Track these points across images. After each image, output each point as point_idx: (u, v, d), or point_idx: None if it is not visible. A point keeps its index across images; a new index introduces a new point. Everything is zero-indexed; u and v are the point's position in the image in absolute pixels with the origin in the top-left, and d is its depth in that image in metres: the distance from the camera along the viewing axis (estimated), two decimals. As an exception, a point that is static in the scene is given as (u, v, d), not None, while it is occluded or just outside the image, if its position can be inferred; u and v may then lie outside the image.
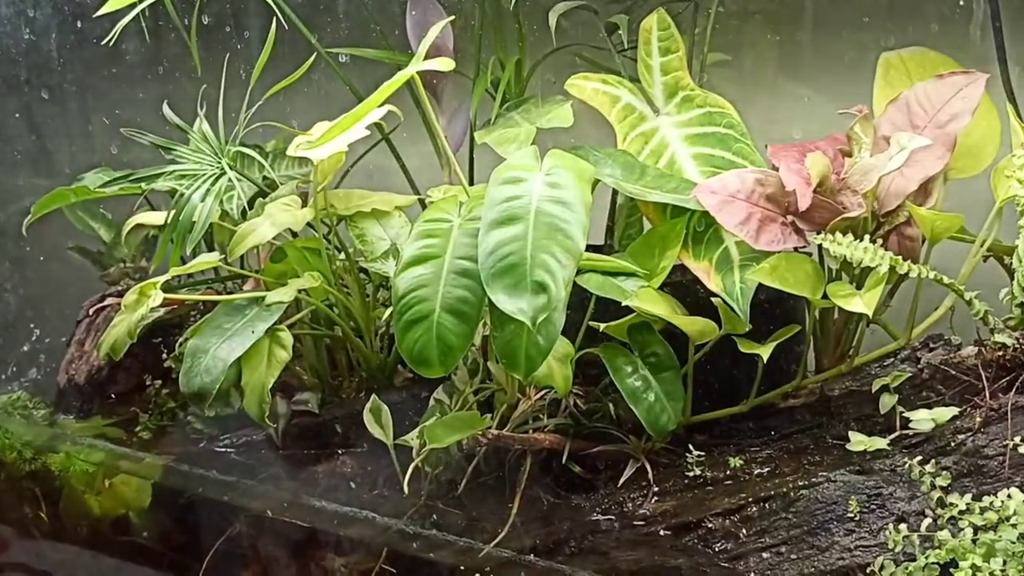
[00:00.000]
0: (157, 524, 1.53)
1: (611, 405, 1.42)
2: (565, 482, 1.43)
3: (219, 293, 1.82)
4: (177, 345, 1.58)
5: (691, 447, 1.35)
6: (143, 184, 1.76)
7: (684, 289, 1.37)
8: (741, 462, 1.31)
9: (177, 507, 1.52)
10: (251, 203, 1.75)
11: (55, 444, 1.62)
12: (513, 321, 1.20)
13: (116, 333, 1.44)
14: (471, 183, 1.72)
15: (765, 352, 1.24)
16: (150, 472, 1.52)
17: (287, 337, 1.44)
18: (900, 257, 1.24)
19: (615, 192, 1.56)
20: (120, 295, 1.85)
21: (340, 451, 1.56)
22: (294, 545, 1.42)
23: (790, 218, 1.29)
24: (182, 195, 1.56)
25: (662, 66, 1.49)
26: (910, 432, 1.23)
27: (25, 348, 1.87)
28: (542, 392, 1.41)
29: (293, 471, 1.53)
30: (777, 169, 1.33)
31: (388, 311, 1.57)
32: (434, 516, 1.39)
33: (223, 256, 1.53)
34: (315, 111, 1.66)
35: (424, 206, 1.66)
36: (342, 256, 1.61)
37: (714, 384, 1.40)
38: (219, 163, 1.55)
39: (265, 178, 1.81)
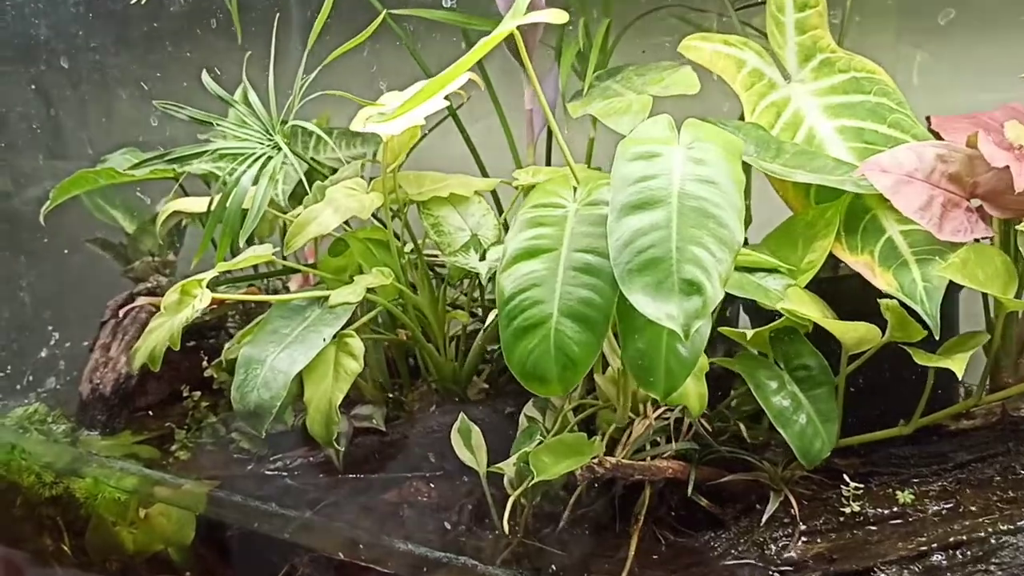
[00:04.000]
0: (202, 564, 1.31)
1: (740, 425, 1.21)
2: (686, 517, 1.21)
3: (260, 292, 1.60)
4: (224, 351, 1.35)
5: (845, 476, 1.13)
6: (178, 166, 1.55)
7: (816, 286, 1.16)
8: (911, 496, 1.09)
9: (225, 544, 1.30)
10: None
11: (79, 467, 1.40)
12: (649, 328, 0.98)
13: (155, 339, 1.22)
14: (547, 164, 1.51)
15: (959, 366, 1.02)
16: (193, 502, 1.29)
17: (357, 344, 1.21)
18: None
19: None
20: (150, 293, 1.63)
21: (412, 476, 1.34)
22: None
23: (976, 202, 1.07)
24: (226, 178, 1.34)
25: (797, 24, 1.26)
26: None
27: (42, 353, 1.65)
28: (660, 411, 1.19)
29: (358, 500, 1.31)
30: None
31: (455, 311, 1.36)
32: (534, 558, 1.17)
33: (276, 249, 1.30)
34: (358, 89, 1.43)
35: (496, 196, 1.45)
36: (408, 249, 1.39)
37: (867, 401, 1.17)
38: (272, 140, 1.33)
39: (311, 160, 1.60)
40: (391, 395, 1.46)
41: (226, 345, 1.55)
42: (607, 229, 0.97)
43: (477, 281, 1.40)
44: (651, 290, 0.92)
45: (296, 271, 1.43)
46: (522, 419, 1.27)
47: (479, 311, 1.49)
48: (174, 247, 1.93)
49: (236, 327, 1.68)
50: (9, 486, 1.47)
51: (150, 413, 1.60)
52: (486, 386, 1.45)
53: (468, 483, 1.32)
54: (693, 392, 1.08)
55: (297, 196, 1.53)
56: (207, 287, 1.24)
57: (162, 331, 1.21)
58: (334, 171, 1.58)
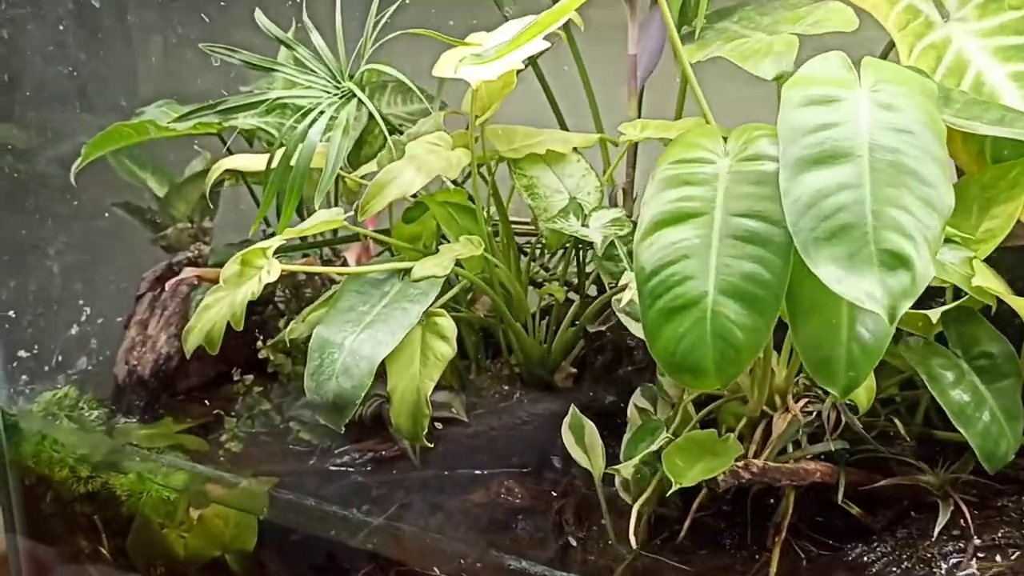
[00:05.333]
0: (264, 573, 1.15)
1: (895, 421, 1.04)
2: (825, 525, 1.05)
3: (314, 264, 1.43)
4: (287, 330, 1.18)
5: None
6: (224, 121, 1.37)
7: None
8: (1115, 508, 0.93)
9: (290, 551, 1.14)
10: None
11: (119, 460, 1.24)
12: (826, 309, 0.82)
13: (212, 317, 1.05)
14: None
15: None
16: (255, 504, 1.13)
17: (448, 325, 1.04)
18: None
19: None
20: (192, 263, 1.46)
21: (500, 474, 1.18)
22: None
23: None
24: (286, 133, 1.16)
25: (959, -47, 1.08)
26: None
27: (72, 330, 1.47)
28: (802, 402, 1.02)
29: (439, 500, 1.15)
30: None
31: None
32: (654, 574, 1.01)
33: (348, 214, 1.12)
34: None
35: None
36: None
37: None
38: (341, 88, 1.15)
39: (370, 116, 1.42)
40: (469, 381, 1.30)
41: (280, 323, 1.39)
42: (780, 189, 0.80)
43: (575, 251, 1.23)
44: (843, 263, 0.75)
45: (370, 239, 1.26)
46: (631, 412, 1.11)
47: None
48: (208, 214, 1.76)
49: (284, 302, 1.51)
50: (39, 480, 1.31)
51: (188, 396, 1.44)
52: (574, 371, 1.29)
53: (567, 483, 1.16)
54: (862, 383, 0.91)
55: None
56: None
57: (222, 308, 1.04)
58: (394, 130, 1.41)
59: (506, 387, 1.29)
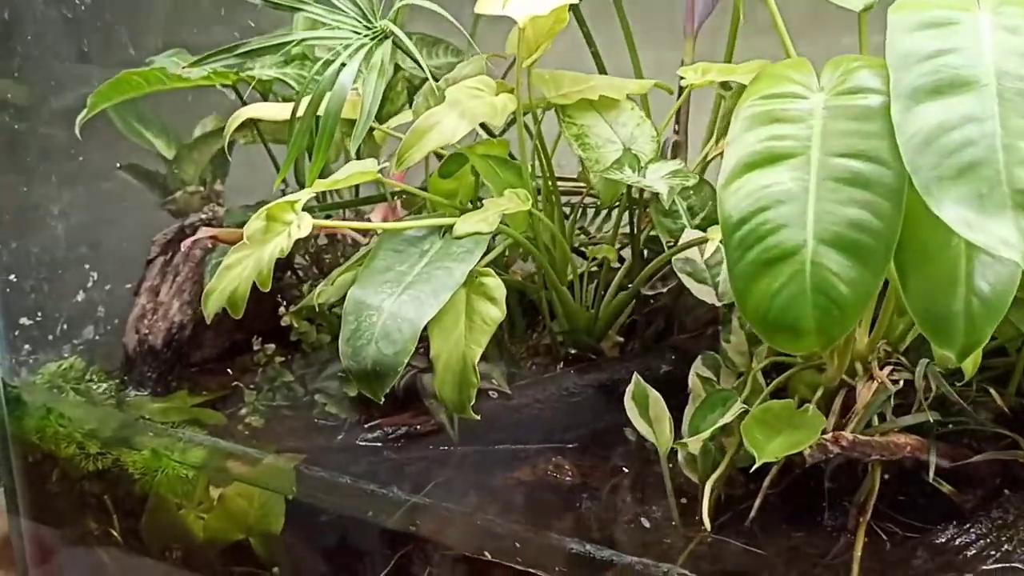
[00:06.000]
0: (292, 556, 1.05)
1: (991, 391, 0.95)
2: (907, 505, 0.96)
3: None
4: (316, 293, 1.08)
5: None
6: (243, 69, 1.27)
7: None
8: None
9: (319, 532, 1.04)
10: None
11: (132, 436, 1.14)
12: (941, 259, 0.72)
13: (235, 278, 0.95)
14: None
15: None
16: (280, 481, 1.03)
17: (496, 285, 0.95)
18: None
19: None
20: (208, 224, 1.36)
21: (546, 449, 1.08)
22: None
23: None
24: (312, 79, 1.07)
25: None
26: None
27: (78, 297, 1.37)
28: (887, 370, 0.93)
29: (480, 478, 1.05)
30: None
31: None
32: (726, 557, 0.92)
33: (383, 165, 1.02)
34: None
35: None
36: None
37: None
38: (372, 28, 1.05)
39: (397, 67, 1.32)
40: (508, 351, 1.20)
41: (304, 287, 1.29)
42: (891, 123, 0.71)
43: (629, 208, 1.13)
44: (972, 205, 0.66)
45: (405, 193, 1.16)
46: (692, 381, 1.01)
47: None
48: (221, 175, 1.66)
49: (303, 269, 1.42)
50: (44, 457, 1.21)
51: (203, 367, 1.34)
52: (620, 340, 1.19)
53: (620, 459, 1.07)
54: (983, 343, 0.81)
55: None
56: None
57: (246, 267, 0.95)
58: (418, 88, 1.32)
59: (548, 357, 1.20)
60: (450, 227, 0.99)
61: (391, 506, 0.98)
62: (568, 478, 1.04)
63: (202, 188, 1.65)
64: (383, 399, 0.95)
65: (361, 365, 0.91)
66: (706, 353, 1.04)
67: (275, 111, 1.17)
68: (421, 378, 1.13)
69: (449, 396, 0.94)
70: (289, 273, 1.42)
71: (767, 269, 0.73)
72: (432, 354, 0.94)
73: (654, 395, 0.96)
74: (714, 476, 0.89)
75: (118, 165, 1.62)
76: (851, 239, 0.71)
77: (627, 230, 1.19)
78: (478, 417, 0.96)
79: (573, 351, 1.18)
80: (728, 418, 0.89)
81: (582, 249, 1.26)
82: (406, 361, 0.90)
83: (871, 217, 0.71)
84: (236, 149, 1.66)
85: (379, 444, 1.12)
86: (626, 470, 1.06)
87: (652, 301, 1.15)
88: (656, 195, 1.04)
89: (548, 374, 1.15)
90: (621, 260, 1.19)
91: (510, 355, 1.20)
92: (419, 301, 0.92)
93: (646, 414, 0.95)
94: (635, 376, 0.98)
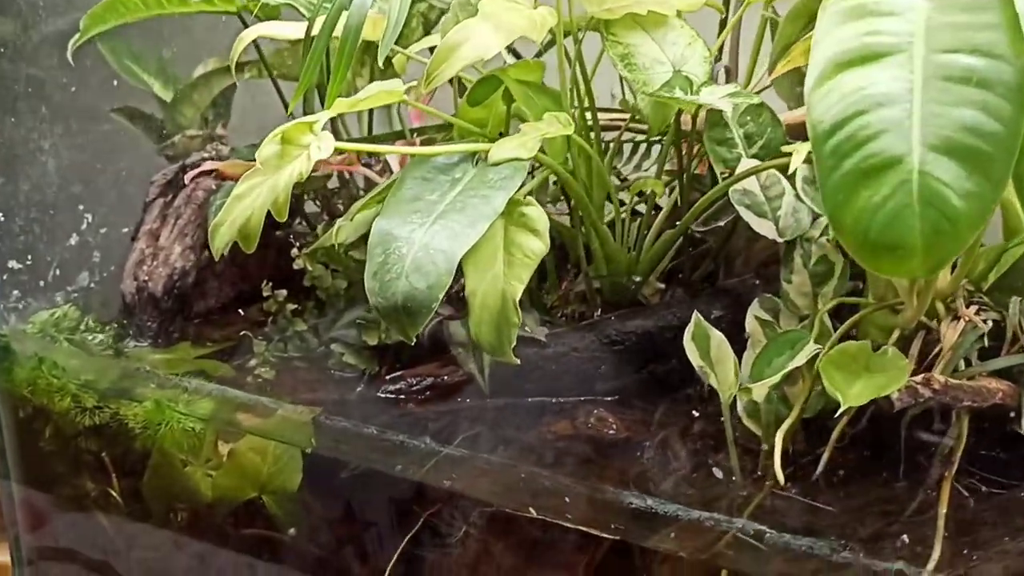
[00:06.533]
0: (309, 515, 0.96)
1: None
2: (987, 459, 0.87)
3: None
4: (333, 230, 0.99)
5: None
6: (249, -9, 1.17)
7: None
8: None
9: (343, 491, 0.95)
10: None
11: (132, 387, 1.04)
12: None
13: (248, 207, 0.86)
14: None
15: None
16: (297, 433, 0.94)
17: (537, 215, 0.85)
18: None
19: None
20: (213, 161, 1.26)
21: (586, 401, 0.99)
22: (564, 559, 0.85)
23: None
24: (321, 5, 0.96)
25: None
26: None
27: (72, 240, 1.27)
28: (973, 308, 0.84)
29: (515, 432, 0.96)
30: None
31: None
32: (793, 513, 0.83)
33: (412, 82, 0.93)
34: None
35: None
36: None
37: None
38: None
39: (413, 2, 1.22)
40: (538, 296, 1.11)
41: (319, 228, 1.20)
42: (1018, 11, 0.61)
43: (675, 141, 1.04)
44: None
45: (424, 133, 1.07)
46: (751, 324, 0.92)
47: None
48: (223, 118, 1.56)
49: (313, 216, 1.32)
50: (35, 411, 1.12)
51: (207, 316, 1.24)
52: (661, 286, 1.10)
53: (667, 411, 0.98)
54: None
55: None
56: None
57: (260, 195, 0.85)
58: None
59: (583, 305, 1.11)
60: (484, 154, 0.90)
61: (422, 458, 0.89)
62: (611, 431, 0.95)
63: (202, 132, 1.56)
64: (414, 340, 0.86)
65: (390, 301, 0.81)
66: (763, 295, 0.95)
67: (288, 30, 1.06)
68: (448, 325, 1.04)
69: (487, 338, 0.85)
70: (299, 220, 1.32)
71: (867, 180, 0.63)
72: (467, 291, 0.85)
73: (717, 336, 0.86)
74: (785, 425, 0.81)
75: (111, 109, 1.52)
76: (965, 145, 0.62)
77: (669, 168, 1.10)
78: (518, 361, 0.87)
79: (611, 297, 1.09)
80: (799, 360, 0.80)
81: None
82: (441, 297, 0.80)
83: (989, 119, 0.62)
84: (239, 94, 1.57)
85: (402, 396, 1.03)
86: (673, 423, 0.97)
87: (699, 242, 1.05)
88: (710, 122, 0.95)
89: (586, 321, 1.06)
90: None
91: (541, 303, 1.11)
92: (453, 232, 0.83)
93: (707, 356, 0.86)
94: (695, 316, 0.89)
